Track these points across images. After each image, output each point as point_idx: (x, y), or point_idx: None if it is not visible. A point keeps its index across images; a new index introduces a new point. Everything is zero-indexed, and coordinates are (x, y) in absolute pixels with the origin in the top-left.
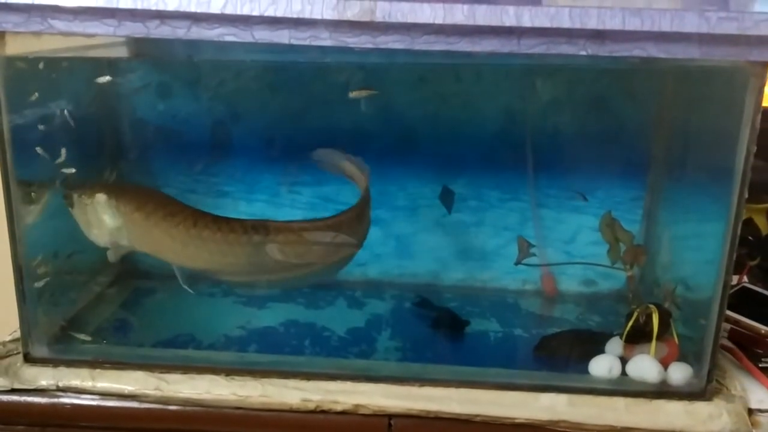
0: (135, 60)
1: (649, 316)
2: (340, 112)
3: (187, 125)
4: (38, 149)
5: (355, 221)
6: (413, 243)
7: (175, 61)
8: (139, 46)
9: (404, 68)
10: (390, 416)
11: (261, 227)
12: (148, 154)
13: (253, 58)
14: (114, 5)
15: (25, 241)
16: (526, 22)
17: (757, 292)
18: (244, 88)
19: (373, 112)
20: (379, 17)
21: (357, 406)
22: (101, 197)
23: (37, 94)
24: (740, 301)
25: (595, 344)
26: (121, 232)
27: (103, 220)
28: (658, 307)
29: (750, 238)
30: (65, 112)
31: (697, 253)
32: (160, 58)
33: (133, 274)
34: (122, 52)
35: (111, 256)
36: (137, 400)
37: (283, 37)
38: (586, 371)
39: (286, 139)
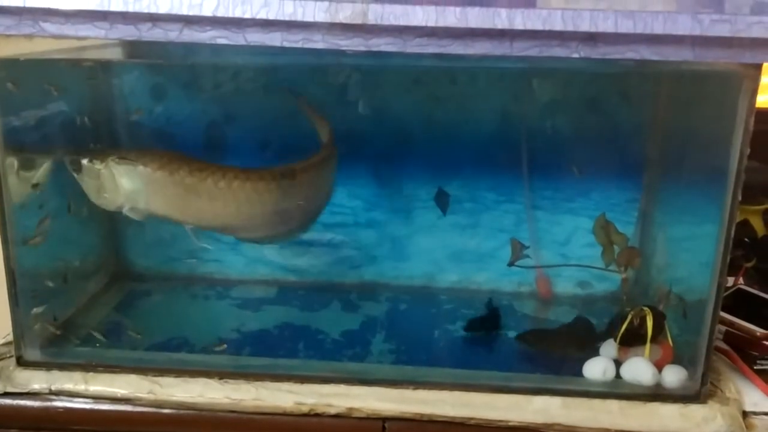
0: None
1: (644, 319)
2: (335, 114)
3: (180, 126)
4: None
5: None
6: (408, 245)
7: (168, 63)
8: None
9: (399, 71)
10: (384, 419)
11: (289, 171)
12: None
13: (247, 60)
14: (106, 8)
15: (17, 245)
16: (519, 24)
17: (753, 294)
18: (237, 89)
19: (369, 115)
20: (371, 20)
21: (351, 409)
22: (115, 161)
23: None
24: (736, 302)
25: (582, 341)
26: (139, 195)
27: (120, 184)
28: (653, 309)
29: (746, 239)
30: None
31: (692, 254)
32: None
33: (128, 277)
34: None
35: (132, 214)
36: (130, 404)
37: (276, 39)
38: (574, 370)
39: (280, 141)
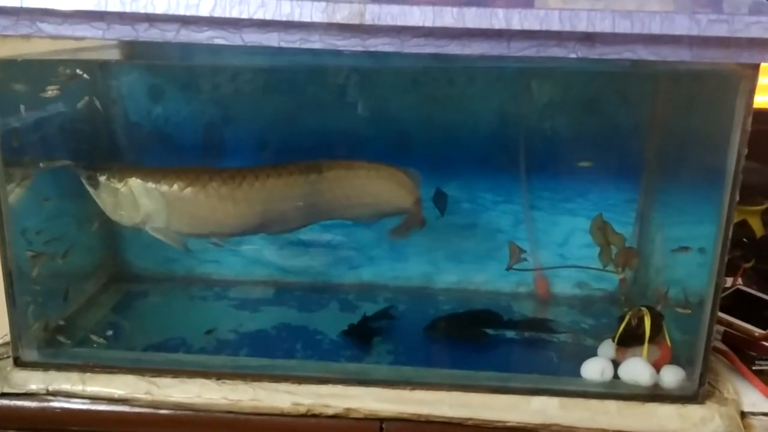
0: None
1: (641, 319)
2: (333, 115)
3: (178, 128)
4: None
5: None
6: (406, 245)
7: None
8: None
9: (397, 71)
10: (382, 420)
11: (315, 166)
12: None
13: (247, 62)
14: (103, 8)
15: (15, 244)
16: (516, 24)
17: (751, 295)
18: (237, 90)
19: (367, 115)
20: (368, 20)
21: (348, 410)
22: (137, 181)
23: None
24: (734, 303)
25: (482, 326)
26: (160, 214)
27: (140, 203)
28: (651, 309)
29: (744, 240)
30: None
31: (689, 255)
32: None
33: (125, 278)
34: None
35: (156, 234)
36: (128, 404)
37: (273, 40)
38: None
39: (279, 142)
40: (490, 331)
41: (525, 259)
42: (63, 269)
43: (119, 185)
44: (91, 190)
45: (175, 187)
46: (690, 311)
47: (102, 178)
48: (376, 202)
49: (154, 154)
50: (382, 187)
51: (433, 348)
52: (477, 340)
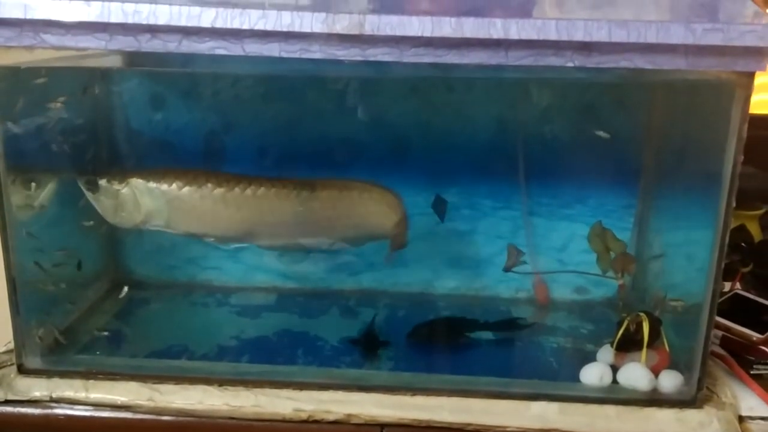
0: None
1: (640, 324)
2: (333, 123)
3: (178, 136)
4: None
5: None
6: (406, 252)
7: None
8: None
9: (397, 79)
10: (382, 426)
11: (308, 184)
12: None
13: (246, 70)
14: (106, 20)
15: (18, 251)
16: (514, 34)
17: (750, 299)
18: (237, 98)
19: (367, 123)
20: (368, 30)
21: (349, 415)
22: (139, 181)
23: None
24: (732, 308)
25: (463, 331)
26: (161, 213)
27: (142, 203)
28: (649, 315)
29: (743, 244)
30: None
31: (687, 260)
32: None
33: (127, 284)
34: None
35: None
36: (130, 411)
37: (274, 50)
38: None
39: (279, 151)
40: (468, 334)
41: (524, 262)
42: (66, 277)
43: (120, 186)
44: (89, 194)
45: (175, 185)
46: (683, 302)
47: (102, 182)
48: (365, 223)
49: (155, 161)
50: (372, 208)
51: (417, 353)
52: (455, 343)
